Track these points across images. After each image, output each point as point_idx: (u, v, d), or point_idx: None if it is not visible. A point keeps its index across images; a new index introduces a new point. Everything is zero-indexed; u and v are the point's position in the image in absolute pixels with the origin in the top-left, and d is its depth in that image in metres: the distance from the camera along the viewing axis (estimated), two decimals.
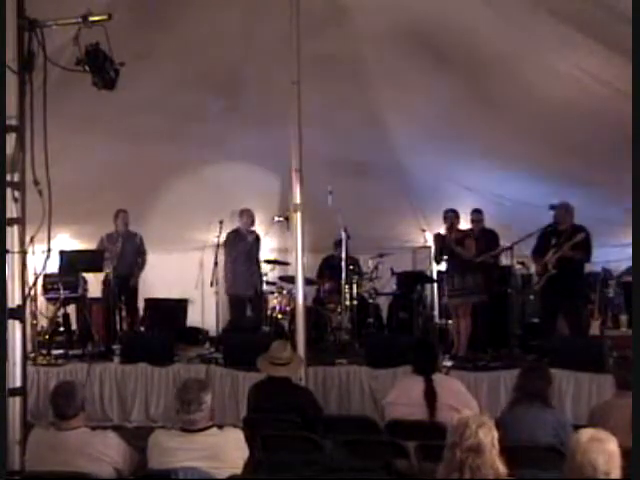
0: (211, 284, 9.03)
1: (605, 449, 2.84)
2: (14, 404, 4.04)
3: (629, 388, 4.13)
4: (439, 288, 9.74)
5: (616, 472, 2.84)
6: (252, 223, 9.12)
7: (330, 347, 8.73)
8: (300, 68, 6.84)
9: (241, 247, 8.97)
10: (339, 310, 9.05)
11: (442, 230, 8.25)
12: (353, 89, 8.46)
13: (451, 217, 8.00)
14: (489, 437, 2.96)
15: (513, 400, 4.61)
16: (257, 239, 9.25)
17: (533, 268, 8.38)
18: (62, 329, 9.36)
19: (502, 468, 2.95)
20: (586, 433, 2.94)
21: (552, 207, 7.66)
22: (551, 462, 3.87)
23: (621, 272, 8.86)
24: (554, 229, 7.67)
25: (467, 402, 4.98)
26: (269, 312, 9.39)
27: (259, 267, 9.34)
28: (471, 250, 7.86)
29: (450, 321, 8.48)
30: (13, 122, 4.04)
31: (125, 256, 8.94)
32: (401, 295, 9.90)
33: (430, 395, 4.88)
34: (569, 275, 7.52)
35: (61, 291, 8.83)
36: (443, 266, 8.45)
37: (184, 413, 3.95)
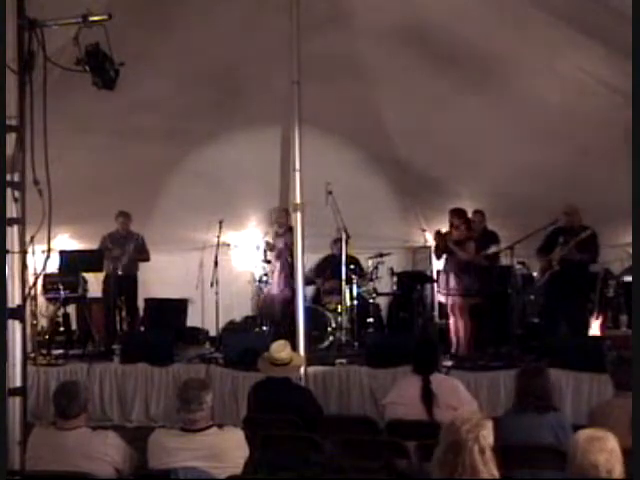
0: (211, 284, 9.02)
1: (605, 447, 2.82)
2: (14, 404, 4.03)
3: (628, 388, 4.11)
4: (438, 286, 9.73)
5: (618, 469, 2.81)
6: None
7: (330, 347, 8.73)
8: (300, 68, 6.84)
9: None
10: (339, 310, 9.05)
11: (444, 229, 8.23)
12: (353, 89, 8.46)
13: (457, 216, 7.97)
14: (472, 435, 2.80)
15: (514, 404, 4.58)
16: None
17: (534, 269, 8.38)
18: (62, 329, 9.36)
19: (485, 468, 2.80)
20: (584, 433, 2.92)
21: (565, 213, 7.67)
22: (551, 462, 3.87)
23: (621, 272, 8.84)
24: (562, 227, 7.70)
25: (467, 402, 4.98)
26: None
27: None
28: (471, 252, 7.85)
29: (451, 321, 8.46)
30: (13, 122, 4.03)
31: (126, 256, 8.93)
32: (401, 295, 9.89)
33: (427, 395, 4.88)
34: (572, 275, 7.52)
35: (61, 291, 8.84)
36: (441, 264, 8.43)
37: (184, 412, 3.96)
